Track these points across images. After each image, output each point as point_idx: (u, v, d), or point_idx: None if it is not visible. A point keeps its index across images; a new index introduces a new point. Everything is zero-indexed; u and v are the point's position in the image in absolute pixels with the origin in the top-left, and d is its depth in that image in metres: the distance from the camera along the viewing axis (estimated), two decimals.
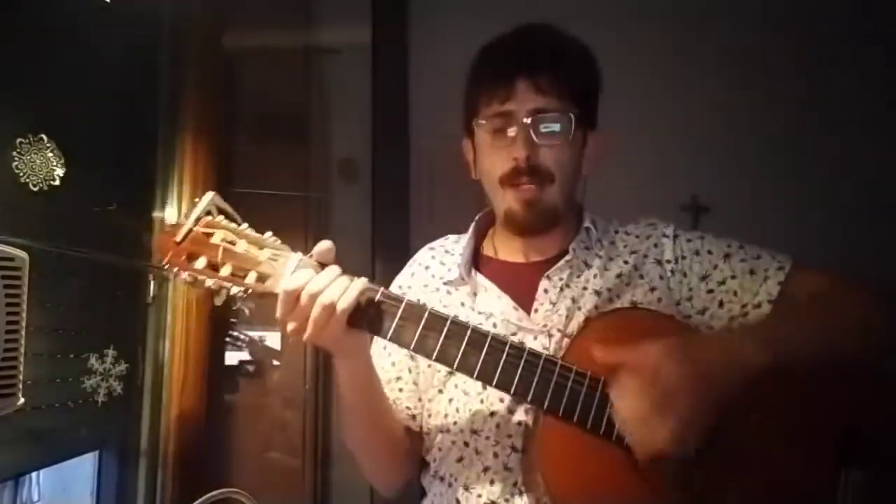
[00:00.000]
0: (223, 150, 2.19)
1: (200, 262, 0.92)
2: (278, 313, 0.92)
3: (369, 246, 2.34)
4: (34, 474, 1.61)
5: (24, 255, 1.19)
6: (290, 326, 0.92)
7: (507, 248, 1.18)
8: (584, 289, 1.10)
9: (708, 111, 2.37)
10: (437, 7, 2.45)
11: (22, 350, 1.18)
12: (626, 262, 1.12)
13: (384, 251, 2.29)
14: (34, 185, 1.50)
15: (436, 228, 1.28)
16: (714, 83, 2.39)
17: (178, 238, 0.93)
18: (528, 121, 1.07)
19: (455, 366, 0.94)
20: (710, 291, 1.09)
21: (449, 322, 0.94)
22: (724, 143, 2.37)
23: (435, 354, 0.93)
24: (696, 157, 2.37)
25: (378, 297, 0.94)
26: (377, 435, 1.12)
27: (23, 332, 1.18)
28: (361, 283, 0.93)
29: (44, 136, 1.52)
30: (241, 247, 0.93)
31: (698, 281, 1.10)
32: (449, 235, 1.27)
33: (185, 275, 0.93)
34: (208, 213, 0.95)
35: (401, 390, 1.16)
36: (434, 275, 1.20)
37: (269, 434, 2.36)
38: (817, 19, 2.35)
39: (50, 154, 1.54)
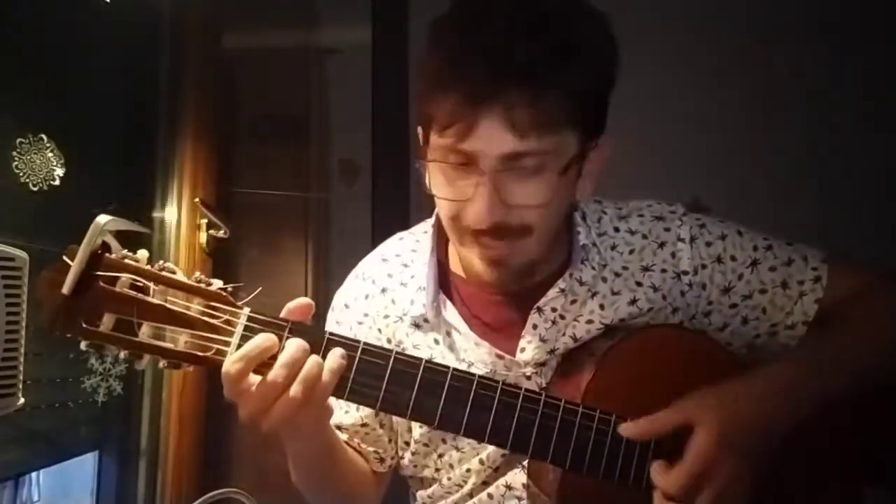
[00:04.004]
0: (223, 150, 2.18)
1: (107, 323, 0.67)
2: (226, 393, 0.70)
3: (369, 246, 2.33)
4: (34, 474, 1.61)
5: (24, 255, 1.18)
6: (245, 411, 0.71)
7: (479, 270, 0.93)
8: (589, 322, 0.90)
9: (708, 111, 2.37)
10: (437, 7, 2.44)
11: (22, 350, 1.18)
12: (639, 284, 0.92)
13: None
14: (34, 185, 1.49)
15: None
16: (714, 83, 2.39)
17: (66, 289, 0.66)
18: (496, 170, 0.76)
19: (462, 431, 0.77)
20: (734, 306, 0.94)
21: (449, 377, 0.76)
22: (724, 144, 2.37)
23: (437, 422, 0.77)
24: (696, 157, 2.37)
25: (357, 358, 0.73)
26: (335, 486, 0.97)
27: (23, 332, 1.18)
28: (338, 354, 0.72)
29: (44, 136, 1.52)
30: (159, 296, 0.67)
31: (720, 294, 0.93)
32: (402, 235, 1.03)
33: (84, 344, 0.69)
34: (103, 247, 0.67)
35: (367, 434, 1.00)
36: (395, 300, 0.96)
37: (269, 434, 2.36)
38: (817, 20, 2.35)
39: (50, 154, 1.53)
